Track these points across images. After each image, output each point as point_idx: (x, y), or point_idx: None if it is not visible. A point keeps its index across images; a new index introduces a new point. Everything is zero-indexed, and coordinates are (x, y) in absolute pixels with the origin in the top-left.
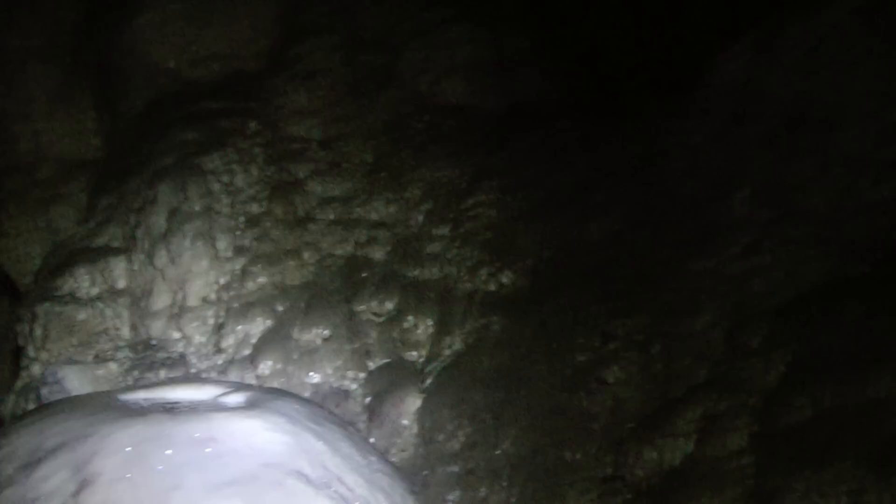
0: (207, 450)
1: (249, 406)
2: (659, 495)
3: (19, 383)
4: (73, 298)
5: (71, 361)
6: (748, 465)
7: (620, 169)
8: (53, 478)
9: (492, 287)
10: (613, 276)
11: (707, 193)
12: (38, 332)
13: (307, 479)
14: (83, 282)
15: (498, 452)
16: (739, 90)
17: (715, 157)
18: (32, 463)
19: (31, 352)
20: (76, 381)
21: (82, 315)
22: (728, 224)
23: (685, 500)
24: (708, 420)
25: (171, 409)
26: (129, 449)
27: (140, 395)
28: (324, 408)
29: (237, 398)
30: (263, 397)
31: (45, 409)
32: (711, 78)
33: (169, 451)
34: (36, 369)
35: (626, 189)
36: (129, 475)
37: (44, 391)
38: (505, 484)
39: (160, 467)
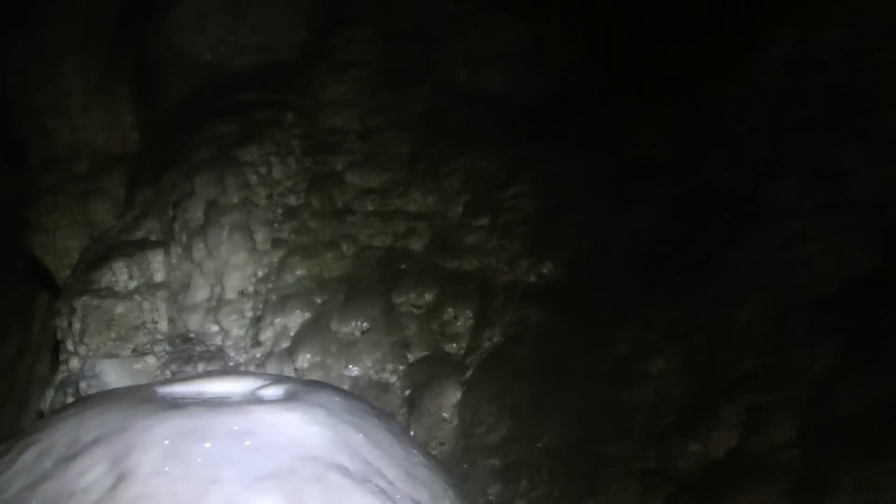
0: (246, 443)
1: (288, 398)
2: (703, 489)
3: (58, 377)
4: (110, 292)
5: (109, 355)
6: (795, 458)
7: (661, 158)
8: (91, 472)
9: (532, 278)
10: (655, 266)
11: (750, 182)
12: (77, 325)
13: (347, 473)
14: (121, 275)
15: (539, 445)
16: (783, 76)
17: (758, 145)
18: (69, 457)
19: (69, 346)
20: (114, 375)
21: (120, 309)
22: (772, 213)
23: (729, 494)
24: (753, 412)
25: (209, 402)
26: (167, 442)
27: (178, 389)
28: (363, 400)
29: (276, 391)
30: (302, 389)
31: (83, 402)
32: (755, 64)
33: (207, 445)
34: (75, 363)
35: (667, 178)
36: (166, 469)
37: (82, 385)
38: (546, 478)
39: (198, 461)
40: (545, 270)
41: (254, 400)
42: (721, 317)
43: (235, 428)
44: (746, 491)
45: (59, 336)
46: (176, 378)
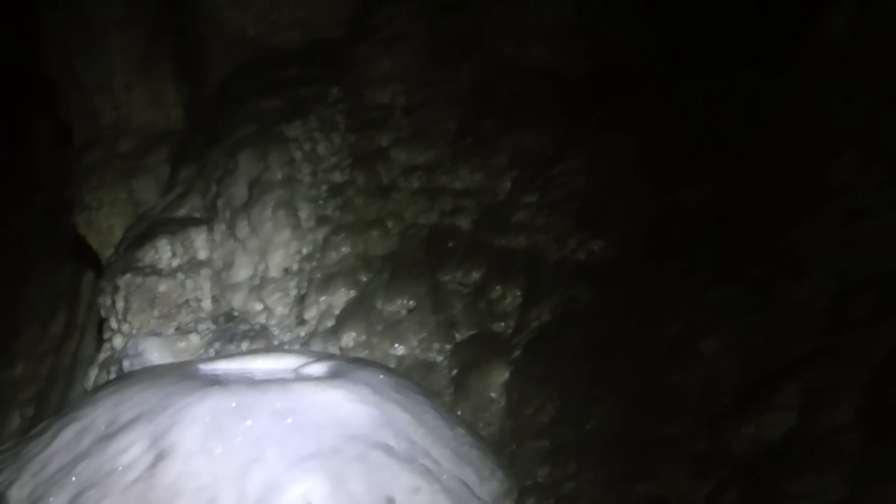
0: (288, 421)
1: (332, 376)
2: (757, 473)
3: (102, 356)
4: (154, 270)
5: (153, 334)
6: (855, 441)
7: (714, 134)
8: (130, 450)
9: (581, 256)
10: (708, 244)
11: (807, 158)
12: (120, 304)
13: (392, 452)
14: (164, 253)
15: (588, 427)
16: (843, 48)
17: (816, 120)
18: (109, 435)
19: (112, 324)
20: (157, 354)
21: (163, 287)
22: (830, 189)
23: (787, 478)
24: (811, 394)
25: (250, 380)
26: (208, 420)
27: (219, 366)
28: (409, 378)
29: (319, 368)
30: (347, 367)
31: (122, 379)
32: (813, 36)
33: (248, 423)
34: (118, 341)
35: (720, 154)
36: (207, 447)
37: (126, 363)
38: (595, 460)
39: (239, 439)
40: (595, 248)
41: (297, 377)
42: (778, 295)
43: (278, 406)
44: (803, 475)
45: (102, 314)
46: (218, 355)
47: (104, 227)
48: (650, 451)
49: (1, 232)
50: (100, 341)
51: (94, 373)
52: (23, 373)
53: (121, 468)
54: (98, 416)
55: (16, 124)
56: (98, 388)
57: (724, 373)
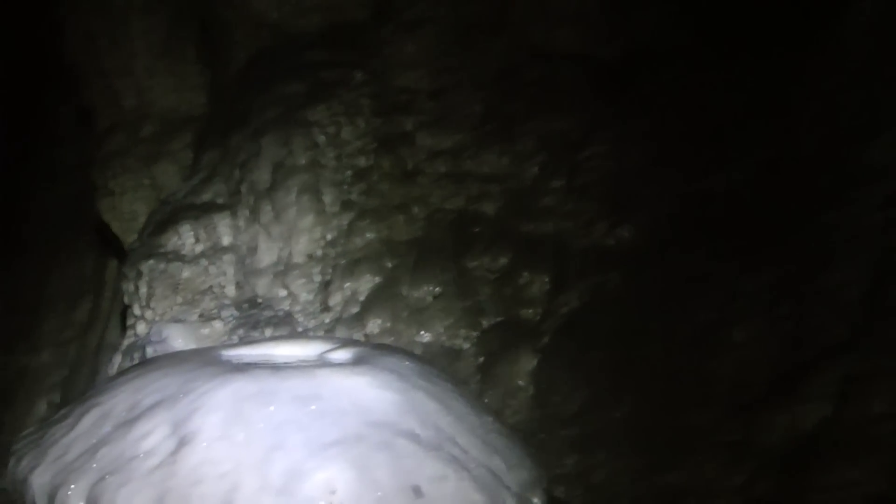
0: (311, 407)
1: (356, 362)
2: (791, 463)
3: (125, 342)
4: (177, 256)
5: (176, 320)
6: (891, 432)
7: (745, 116)
8: (152, 436)
9: (609, 242)
10: (739, 229)
11: (841, 140)
12: (143, 290)
13: (418, 440)
14: (187, 239)
15: (617, 416)
16: (877, 27)
17: (850, 101)
18: (130, 420)
19: (136, 310)
20: (181, 340)
21: (187, 273)
22: (865, 172)
23: (822, 469)
24: (847, 382)
25: (273, 366)
26: (230, 406)
27: (242, 352)
28: (435, 365)
29: (344, 354)
30: (371, 353)
31: (144, 365)
32: (845, 15)
33: (271, 409)
34: (141, 328)
35: (751, 137)
36: (229, 434)
37: (149, 350)
38: (625, 449)
39: (261, 426)
40: (624, 234)
41: (321, 363)
42: (811, 282)
43: (301, 392)
44: (839, 466)
45: (126, 301)
46: (240, 342)
47: (127, 212)
48: (680, 441)
49: (26, 219)
50: (123, 328)
51: (117, 359)
52: (48, 359)
53: (142, 454)
54: (119, 401)
55: (40, 111)
56: (119, 374)
57: (756, 361)
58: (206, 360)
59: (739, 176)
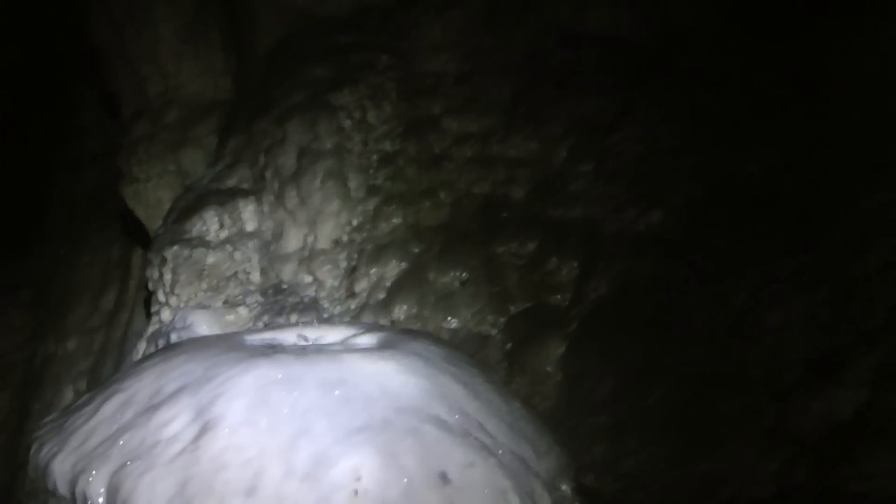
0: (337, 393)
1: (382, 347)
2: (827, 450)
3: (150, 329)
4: (201, 242)
5: (201, 306)
6: None
7: (781, 98)
8: (174, 422)
9: (640, 227)
10: (774, 213)
11: (881, 122)
12: (168, 276)
13: (445, 426)
14: (212, 225)
15: (648, 402)
16: None
17: (891, 82)
18: (153, 407)
19: (160, 297)
20: (206, 327)
21: (211, 259)
22: None
23: (859, 457)
24: (884, 368)
25: (298, 350)
26: (254, 392)
27: (266, 337)
28: (462, 350)
29: (369, 339)
30: (398, 338)
31: (167, 350)
32: None
33: (296, 394)
34: (166, 315)
35: (787, 119)
36: (253, 420)
37: (173, 337)
38: (656, 436)
39: (286, 411)
40: (654, 218)
41: (346, 348)
42: (849, 266)
43: (326, 377)
44: (877, 454)
45: (150, 287)
46: (264, 326)
47: (152, 199)
48: (713, 428)
49: (53, 208)
50: (148, 315)
51: (142, 346)
52: (76, 348)
53: (164, 441)
54: (142, 387)
55: (67, 99)
56: (142, 360)
57: (791, 346)
58: (230, 346)
59: (774, 158)
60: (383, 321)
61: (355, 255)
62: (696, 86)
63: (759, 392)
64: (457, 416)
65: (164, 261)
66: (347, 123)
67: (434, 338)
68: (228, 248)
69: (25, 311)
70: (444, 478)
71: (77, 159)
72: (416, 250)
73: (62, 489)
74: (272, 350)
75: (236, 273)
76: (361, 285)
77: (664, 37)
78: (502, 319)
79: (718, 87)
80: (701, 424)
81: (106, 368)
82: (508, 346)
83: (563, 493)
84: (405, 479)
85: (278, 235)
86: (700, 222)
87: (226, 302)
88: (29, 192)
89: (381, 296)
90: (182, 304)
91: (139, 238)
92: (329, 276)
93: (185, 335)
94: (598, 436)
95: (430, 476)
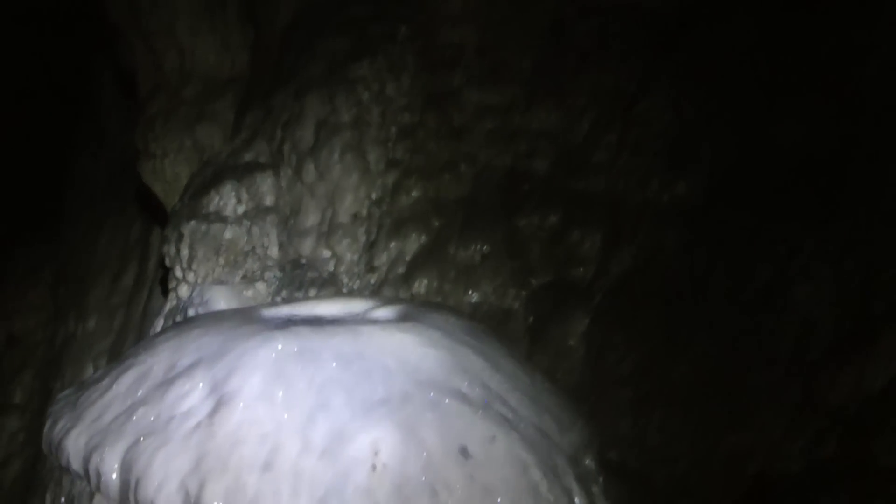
0: (355, 366)
1: (401, 320)
2: (857, 424)
3: (168, 305)
4: (219, 217)
5: (219, 282)
6: None
7: (812, 67)
8: (189, 397)
9: (664, 199)
10: (803, 184)
11: None
12: (185, 252)
13: (466, 399)
14: (229, 199)
15: (674, 376)
16: None
17: None
18: (168, 381)
19: (178, 273)
20: (224, 302)
21: (229, 234)
22: None
23: (889, 430)
24: None
25: (315, 324)
26: (270, 366)
27: (283, 311)
28: (483, 323)
29: (388, 312)
30: (417, 311)
31: (183, 325)
32: None
33: (313, 368)
34: (183, 291)
35: (818, 89)
36: (269, 394)
37: (191, 313)
38: (681, 410)
39: (303, 385)
40: (679, 190)
41: (364, 321)
42: (880, 236)
43: (344, 350)
44: None
45: (167, 263)
46: (282, 300)
47: (170, 175)
48: (740, 402)
49: (74, 187)
50: (166, 292)
51: (160, 323)
52: (96, 327)
53: (179, 416)
54: (156, 362)
55: (85, 77)
56: (157, 334)
57: (820, 319)
58: (247, 319)
59: (801, 129)
60: (403, 296)
61: (375, 230)
62: (721, 55)
63: (788, 365)
64: (478, 390)
65: (181, 237)
66: (366, 96)
67: (454, 310)
68: (246, 223)
69: (46, 291)
70: (464, 452)
71: (95, 138)
72: (437, 224)
73: (76, 466)
74: (289, 323)
75: (254, 248)
76: (381, 259)
77: (690, 6)
78: (524, 293)
79: (744, 56)
80: (727, 398)
81: (126, 347)
82: (531, 319)
83: (587, 467)
84: (425, 454)
85: (296, 210)
86: (725, 194)
87: (244, 277)
88: (48, 173)
89: (401, 270)
90: (200, 281)
91: (157, 215)
92: (348, 251)
93: (202, 311)
94: (623, 410)
95: (450, 450)
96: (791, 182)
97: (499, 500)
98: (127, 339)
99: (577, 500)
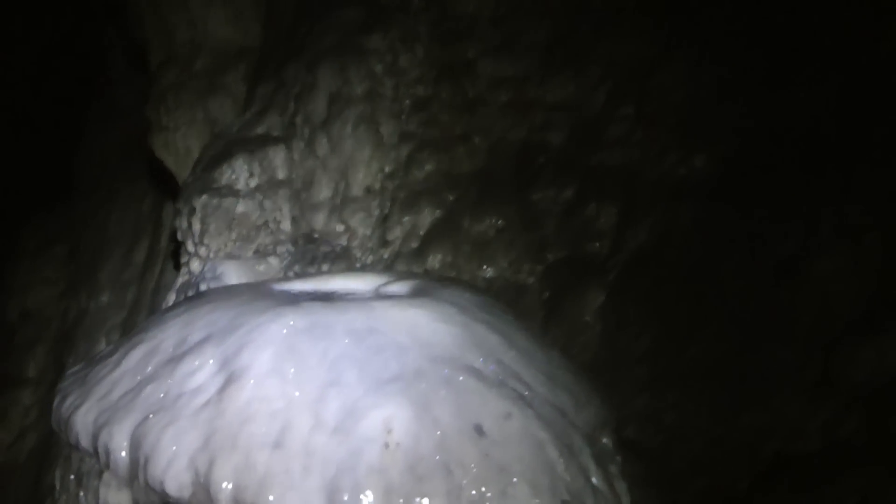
0: (367, 342)
1: (415, 295)
2: (879, 402)
3: (180, 280)
4: (230, 191)
5: (231, 257)
6: None
7: (830, 36)
8: (199, 373)
9: (682, 172)
10: (823, 158)
11: None
12: (197, 226)
13: (480, 376)
14: (241, 173)
15: (691, 353)
16: None
17: None
18: (177, 357)
19: (189, 247)
20: (236, 277)
21: (241, 208)
22: None
23: None
24: None
25: (327, 299)
26: (281, 341)
27: (294, 285)
28: (497, 298)
29: (401, 287)
30: (430, 286)
31: (193, 300)
32: None
33: (325, 344)
34: (195, 265)
35: (837, 59)
36: (280, 370)
37: (203, 288)
38: (699, 388)
39: (314, 361)
40: (697, 163)
41: (377, 296)
42: None
43: (357, 326)
44: None
45: (179, 237)
46: (294, 275)
47: (181, 148)
48: (758, 379)
49: (86, 161)
50: (177, 266)
51: (172, 297)
52: (108, 301)
53: (188, 392)
54: (166, 337)
55: (96, 51)
56: (167, 309)
57: (840, 295)
58: (258, 294)
59: (822, 101)
60: (417, 270)
61: (388, 203)
62: (743, 24)
63: (807, 342)
64: (492, 366)
65: (192, 210)
66: (379, 68)
67: (468, 285)
68: (258, 196)
69: (59, 265)
70: (479, 430)
71: (107, 112)
72: (451, 198)
73: (84, 443)
74: (301, 299)
75: (266, 222)
76: (394, 234)
77: None
78: (539, 268)
79: (767, 26)
80: (746, 376)
81: (138, 322)
82: (546, 294)
83: (604, 445)
84: (438, 432)
85: (309, 183)
86: (744, 168)
87: (256, 252)
88: (60, 147)
89: (415, 244)
90: (211, 255)
91: (169, 189)
92: (361, 225)
93: (214, 286)
94: (639, 387)
95: (464, 428)
96: (812, 155)
97: (514, 479)
98: (139, 314)
99: (593, 479)
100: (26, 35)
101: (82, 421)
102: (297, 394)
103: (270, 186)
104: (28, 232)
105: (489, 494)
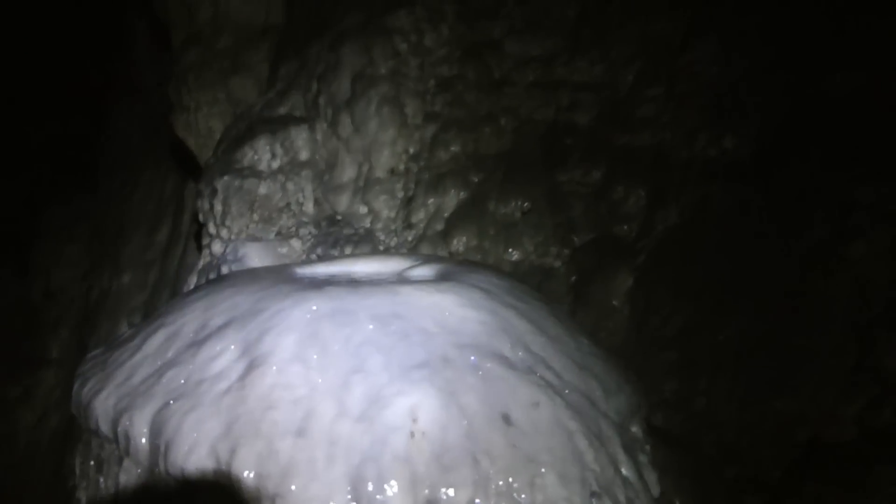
0: (392, 328)
1: (441, 279)
2: None
3: (201, 262)
4: (253, 172)
5: (253, 238)
6: None
7: (863, 16)
8: (220, 359)
9: (712, 153)
10: (856, 138)
11: None
12: (219, 207)
13: (508, 363)
14: (264, 154)
15: (721, 338)
16: None
17: None
18: (198, 342)
19: (211, 228)
20: (258, 259)
21: (263, 189)
22: None
23: None
24: None
25: (351, 283)
26: (304, 326)
27: (318, 269)
28: (525, 282)
29: (427, 271)
30: (457, 270)
31: (214, 283)
32: None
33: (349, 330)
34: (217, 247)
35: (869, 39)
36: (303, 356)
37: (224, 269)
38: (729, 374)
39: (338, 347)
40: (727, 144)
41: (402, 281)
42: None
43: (381, 311)
44: None
45: (200, 219)
46: (317, 258)
47: (203, 129)
48: (790, 365)
49: (110, 141)
50: (199, 248)
51: (193, 280)
52: (130, 282)
53: (210, 378)
54: (188, 321)
55: (119, 30)
56: (188, 293)
57: (875, 280)
58: (280, 278)
59: (855, 81)
60: (441, 253)
61: (412, 185)
62: (772, 2)
63: (841, 327)
64: (520, 353)
65: (214, 191)
66: (403, 47)
67: (495, 269)
68: (281, 178)
69: (82, 245)
70: (506, 419)
71: (130, 91)
72: (476, 179)
73: (104, 428)
74: (324, 282)
75: (289, 204)
76: (419, 216)
77: None
78: (566, 251)
79: (803, 4)
80: (777, 362)
81: (160, 302)
82: (573, 278)
83: (634, 434)
84: (465, 422)
85: (332, 165)
86: (776, 148)
87: (278, 234)
88: (84, 128)
89: (440, 227)
90: (233, 237)
91: (191, 170)
92: (385, 207)
93: (236, 268)
94: (668, 373)
95: (492, 417)
96: (843, 136)
97: (542, 469)
98: (161, 295)
99: (623, 469)
100: (48, 13)
101: (102, 406)
102: (320, 381)
103: (293, 168)
104: (51, 212)
105: (516, 485)
